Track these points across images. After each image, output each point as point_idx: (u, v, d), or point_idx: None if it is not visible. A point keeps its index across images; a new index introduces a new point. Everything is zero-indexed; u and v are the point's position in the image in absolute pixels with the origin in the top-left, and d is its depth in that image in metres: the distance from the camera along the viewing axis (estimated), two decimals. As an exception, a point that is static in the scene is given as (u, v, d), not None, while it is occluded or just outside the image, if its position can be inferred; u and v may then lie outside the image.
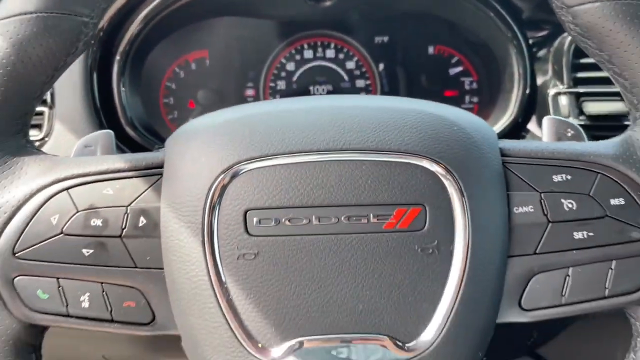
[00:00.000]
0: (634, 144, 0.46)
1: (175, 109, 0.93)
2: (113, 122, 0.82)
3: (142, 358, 1.09)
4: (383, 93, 0.94)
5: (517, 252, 0.45)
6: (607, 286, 0.45)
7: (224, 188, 0.43)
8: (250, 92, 0.93)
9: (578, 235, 0.45)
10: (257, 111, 0.47)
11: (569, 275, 0.45)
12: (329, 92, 0.94)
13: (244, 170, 0.43)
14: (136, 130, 0.83)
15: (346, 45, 0.94)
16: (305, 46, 0.93)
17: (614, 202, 0.45)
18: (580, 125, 0.75)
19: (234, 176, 0.43)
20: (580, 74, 0.78)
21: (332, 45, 0.94)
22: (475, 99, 0.95)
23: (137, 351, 1.03)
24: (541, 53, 0.84)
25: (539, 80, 0.84)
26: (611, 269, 0.45)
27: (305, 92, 0.94)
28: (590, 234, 0.45)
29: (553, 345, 1.01)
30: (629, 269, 0.45)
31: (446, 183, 0.43)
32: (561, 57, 0.79)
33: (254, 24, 0.92)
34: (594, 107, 0.76)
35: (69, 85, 0.75)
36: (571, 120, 0.76)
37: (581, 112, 0.77)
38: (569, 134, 0.52)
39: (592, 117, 0.76)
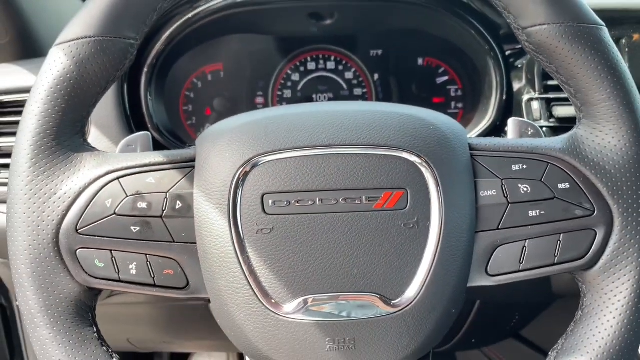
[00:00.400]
0: (578, 139, 0.51)
1: (194, 115, 0.96)
2: (141, 127, 0.84)
3: (162, 342, 1.12)
4: (378, 100, 0.96)
5: (482, 228, 0.50)
6: (556, 255, 0.50)
7: (245, 176, 0.48)
8: (260, 100, 0.96)
9: (532, 213, 0.50)
10: (271, 115, 0.52)
11: (525, 247, 0.50)
12: (329, 100, 0.96)
13: (261, 162, 0.48)
14: (161, 134, 0.85)
15: (345, 58, 0.96)
16: (309, 59, 0.96)
17: (561, 186, 0.50)
18: (550, 127, 0.78)
19: (253, 167, 0.48)
20: (550, 82, 0.81)
21: (333, 58, 0.96)
22: (460, 105, 0.97)
23: (157, 335, 1.06)
24: (518, 63, 0.86)
25: (515, 88, 0.86)
26: (559, 240, 0.50)
27: (308, 99, 0.97)
28: (542, 212, 0.50)
29: (535, 327, 1.02)
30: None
31: (424, 171, 0.49)
32: (533, 67, 0.82)
33: (263, 40, 0.95)
34: (562, 111, 0.79)
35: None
36: (542, 122, 0.80)
37: (551, 115, 0.80)
38: (529, 133, 0.57)
39: (561, 119, 0.79)
